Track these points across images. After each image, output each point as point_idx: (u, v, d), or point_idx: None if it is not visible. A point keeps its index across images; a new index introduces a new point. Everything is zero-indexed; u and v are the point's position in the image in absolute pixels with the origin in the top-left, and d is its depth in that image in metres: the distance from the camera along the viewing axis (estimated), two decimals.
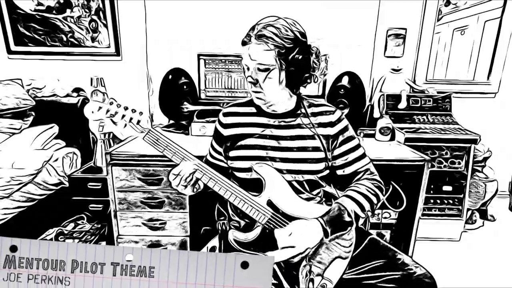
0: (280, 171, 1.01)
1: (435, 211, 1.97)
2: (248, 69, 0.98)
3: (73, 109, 2.10)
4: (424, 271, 0.96)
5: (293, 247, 0.94)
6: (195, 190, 1.04)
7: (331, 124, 1.04)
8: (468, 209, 2.10)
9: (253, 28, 0.95)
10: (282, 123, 1.04)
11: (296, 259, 0.96)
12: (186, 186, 1.00)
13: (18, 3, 2.07)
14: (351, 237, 1.03)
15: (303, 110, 1.05)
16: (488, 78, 2.28)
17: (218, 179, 1.00)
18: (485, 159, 2.12)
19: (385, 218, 1.73)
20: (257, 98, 1.00)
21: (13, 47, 2.14)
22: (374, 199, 1.02)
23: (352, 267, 1.01)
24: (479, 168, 2.11)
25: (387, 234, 1.76)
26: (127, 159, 1.57)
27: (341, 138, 1.04)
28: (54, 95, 2.10)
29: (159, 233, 1.66)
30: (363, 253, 1.03)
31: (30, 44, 2.14)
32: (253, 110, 1.08)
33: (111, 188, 1.60)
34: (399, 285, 0.94)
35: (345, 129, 1.05)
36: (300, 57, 0.95)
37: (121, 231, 1.66)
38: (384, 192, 1.05)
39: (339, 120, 1.05)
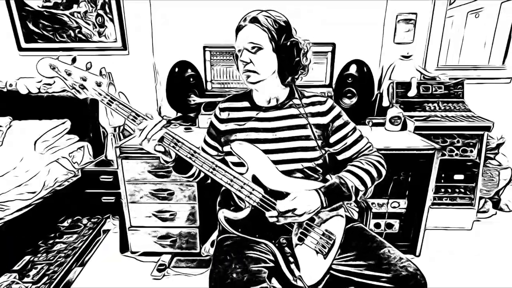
0: (278, 162, 1.03)
1: (446, 200, 1.94)
2: (240, 51, 1.01)
3: (83, 104, 2.14)
4: (414, 266, 0.92)
5: (295, 209, 0.94)
6: (157, 147, 1.00)
7: (323, 114, 1.07)
8: (480, 198, 2.06)
9: (246, 16, 1.01)
10: (275, 115, 1.07)
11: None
12: (149, 140, 0.96)
13: (27, 1, 2.10)
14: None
15: (295, 101, 1.07)
16: (503, 62, 2.20)
17: (187, 144, 1.00)
18: (499, 145, 2.06)
19: (394, 207, 1.72)
20: (250, 78, 1.01)
21: (24, 44, 2.18)
22: (375, 173, 1.03)
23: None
24: (492, 156, 2.06)
25: (396, 223, 1.74)
26: (136, 152, 1.60)
27: (335, 125, 1.07)
28: (64, 90, 2.14)
29: (170, 224, 1.69)
30: (347, 238, 1.04)
31: (39, 41, 2.17)
32: (247, 104, 1.11)
33: (122, 180, 1.64)
34: (389, 281, 0.91)
35: (337, 116, 1.07)
36: (289, 43, 0.99)
37: (133, 223, 1.70)
38: (385, 167, 1.06)
39: (331, 108, 1.07)
